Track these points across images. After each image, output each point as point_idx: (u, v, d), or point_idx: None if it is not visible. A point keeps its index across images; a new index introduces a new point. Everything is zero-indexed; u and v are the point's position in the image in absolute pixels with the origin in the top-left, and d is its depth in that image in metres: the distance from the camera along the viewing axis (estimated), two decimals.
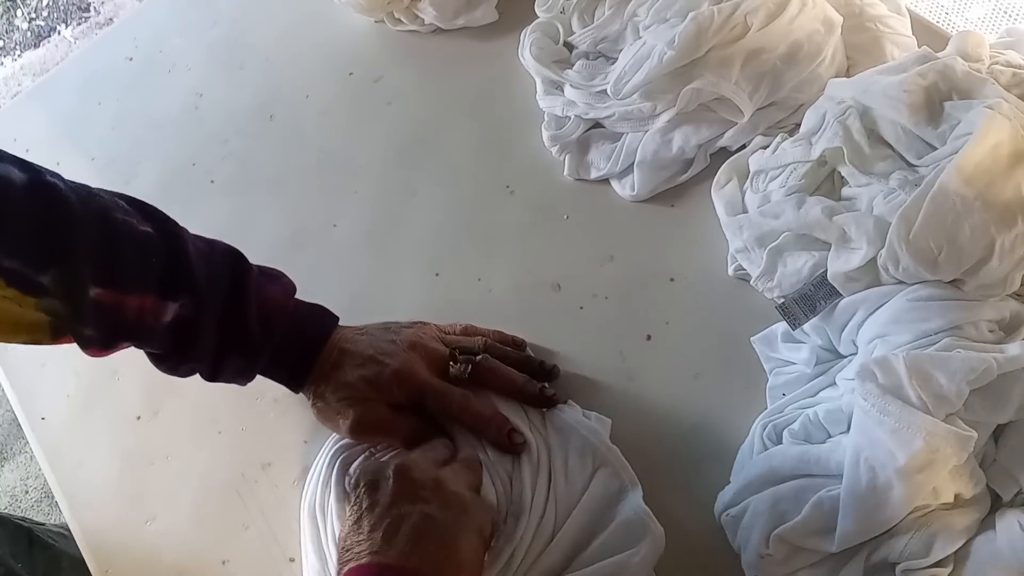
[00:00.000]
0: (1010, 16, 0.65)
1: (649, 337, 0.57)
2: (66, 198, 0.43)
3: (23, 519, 0.87)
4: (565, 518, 0.47)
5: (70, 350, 0.68)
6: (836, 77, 0.59)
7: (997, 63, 0.54)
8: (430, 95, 0.75)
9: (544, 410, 0.52)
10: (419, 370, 0.51)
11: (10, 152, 0.43)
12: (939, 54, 0.53)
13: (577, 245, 0.62)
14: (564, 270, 0.61)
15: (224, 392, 0.62)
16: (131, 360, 0.66)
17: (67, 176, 0.45)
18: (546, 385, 0.53)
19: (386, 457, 0.51)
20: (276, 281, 0.52)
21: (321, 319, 0.53)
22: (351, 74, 0.78)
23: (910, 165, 0.51)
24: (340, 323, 0.54)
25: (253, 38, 0.84)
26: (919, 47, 0.57)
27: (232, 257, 0.50)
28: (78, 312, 0.43)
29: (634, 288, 0.59)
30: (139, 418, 0.64)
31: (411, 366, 0.50)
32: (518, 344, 0.57)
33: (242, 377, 0.52)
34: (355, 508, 0.44)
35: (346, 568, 0.40)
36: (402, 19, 0.78)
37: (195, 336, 0.48)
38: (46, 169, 0.44)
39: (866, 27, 0.61)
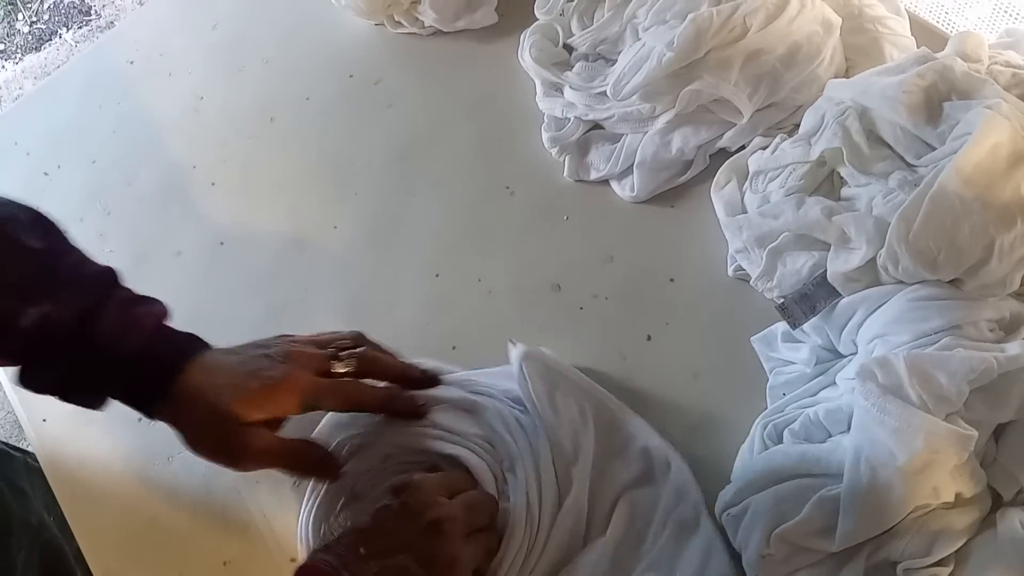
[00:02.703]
0: (1010, 16, 0.65)
1: (649, 337, 0.57)
2: None
3: None
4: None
5: None
6: (835, 78, 0.59)
7: (996, 63, 0.54)
8: (430, 97, 0.75)
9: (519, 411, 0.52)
10: (305, 376, 0.49)
11: None
12: (938, 55, 0.53)
13: (577, 246, 0.62)
14: (564, 270, 0.61)
15: None
16: None
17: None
18: (426, 370, 0.53)
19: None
20: (148, 304, 0.50)
21: (185, 343, 0.50)
22: (351, 76, 0.78)
23: (909, 165, 0.51)
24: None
25: (253, 41, 0.84)
26: (918, 48, 0.57)
27: (106, 275, 0.49)
28: None
29: (634, 288, 0.59)
30: (140, 419, 0.63)
31: (293, 374, 0.49)
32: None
33: (91, 397, 0.50)
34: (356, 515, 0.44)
35: (309, 559, 0.41)
36: (402, 22, 0.78)
37: (51, 338, 0.46)
38: None
39: (865, 28, 0.61)
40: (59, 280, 0.47)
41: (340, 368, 0.51)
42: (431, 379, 0.53)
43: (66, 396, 0.49)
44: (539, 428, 0.51)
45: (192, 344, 0.50)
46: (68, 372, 0.48)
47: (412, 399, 0.51)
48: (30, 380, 0.49)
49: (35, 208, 0.48)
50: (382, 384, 0.53)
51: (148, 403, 0.49)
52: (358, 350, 0.52)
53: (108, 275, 0.49)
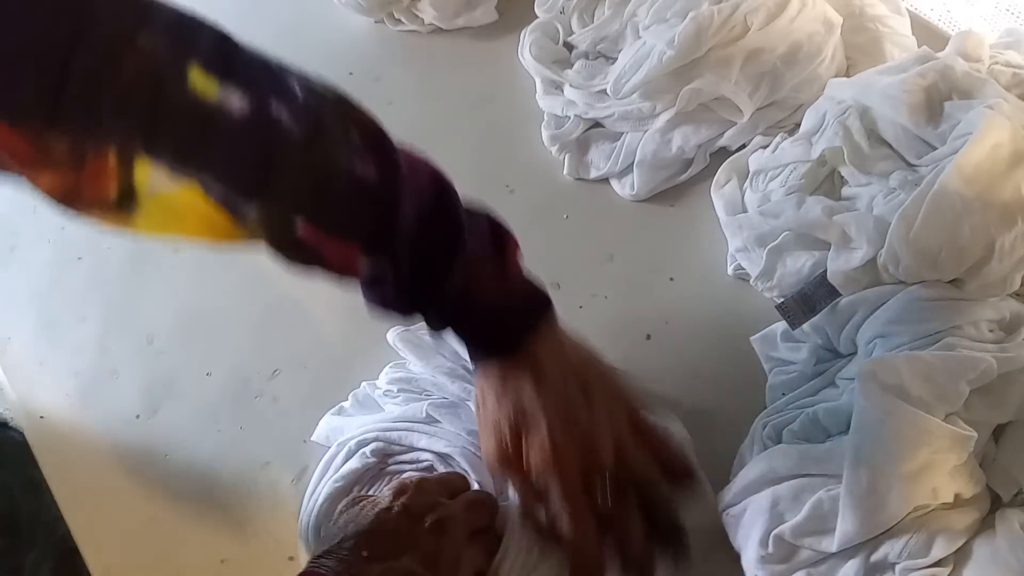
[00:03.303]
0: (1011, 15, 0.65)
1: (649, 337, 0.57)
2: (286, 138, 0.39)
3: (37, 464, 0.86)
4: None
5: (69, 350, 0.68)
6: (836, 77, 0.59)
7: (997, 63, 0.54)
8: (430, 95, 0.74)
9: None
10: (605, 450, 0.45)
11: (253, 55, 0.40)
12: (939, 54, 0.53)
13: (577, 244, 0.62)
14: (564, 269, 0.61)
15: (223, 391, 0.63)
16: (131, 360, 0.66)
17: None
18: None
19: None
20: (491, 257, 0.46)
21: (524, 314, 0.47)
22: (351, 74, 0.78)
23: (910, 165, 0.51)
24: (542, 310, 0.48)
25: (252, 38, 0.84)
26: (919, 47, 0.57)
27: (449, 227, 0.44)
28: (281, 245, 0.41)
29: (634, 288, 0.59)
30: (138, 417, 0.63)
31: (602, 442, 0.45)
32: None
33: (434, 327, 0.47)
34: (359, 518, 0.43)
35: (309, 565, 0.40)
36: (402, 19, 0.78)
37: (385, 292, 0.44)
38: (284, 85, 0.40)
39: (866, 27, 0.61)
40: (398, 229, 0.42)
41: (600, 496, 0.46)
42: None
43: (404, 316, 0.46)
44: None
45: (528, 317, 0.47)
46: (405, 313, 0.45)
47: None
48: (375, 296, 0.45)
49: (365, 116, 0.43)
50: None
51: (479, 357, 0.48)
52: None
53: (451, 225, 0.44)
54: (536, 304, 0.48)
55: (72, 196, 0.37)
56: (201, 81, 0.37)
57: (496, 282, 0.46)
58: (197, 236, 0.40)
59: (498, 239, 0.47)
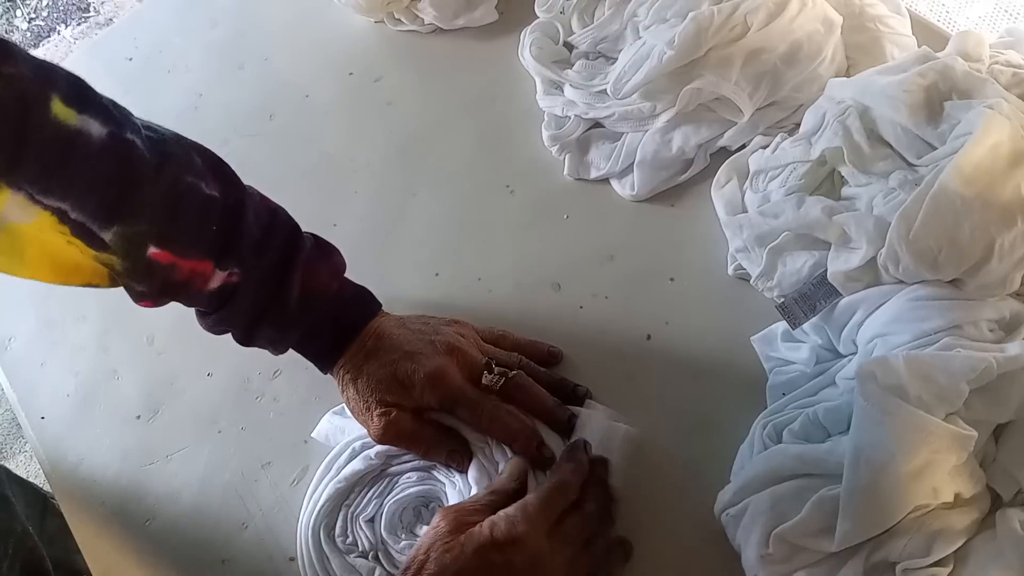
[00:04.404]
0: (1010, 15, 0.65)
1: (649, 337, 0.57)
2: (140, 158, 0.43)
3: (41, 488, 0.89)
4: None
5: (69, 350, 0.68)
6: (836, 77, 0.59)
7: (997, 63, 0.54)
8: (430, 95, 0.75)
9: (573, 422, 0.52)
10: (453, 376, 0.50)
11: (103, 97, 0.43)
12: (939, 54, 0.53)
13: (577, 245, 0.62)
14: (564, 270, 0.61)
15: (224, 391, 0.63)
16: (131, 360, 0.66)
17: None
18: (574, 412, 0.52)
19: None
20: (326, 259, 0.52)
21: (362, 305, 0.53)
22: (351, 74, 0.78)
23: (910, 165, 0.51)
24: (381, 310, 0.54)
25: (253, 38, 0.84)
26: (919, 47, 0.57)
27: (287, 231, 0.51)
28: (134, 269, 0.45)
29: (634, 288, 0.59)
30: (139, 417, 0.63)
31: (445, 371, 0.50)
32: (554, 355, 0.56)
33: (273, 348, 0.53)
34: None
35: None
36: (402, 19, 0.78)
37: (235, 304, 0.49)
38: (131, 122, 0.44)
39: (866, 27, 0.61)
40: (245, 240, 0.48)
41: (485, 381, 0.51)
42: (573, 426, 0.51)
43: (247, 343, 0.51)
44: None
45: (366, 307, 0.54)
46: (249, 327, 0.50)
47: (533, 452, 0.49)
48: (209, 324, 0.51)
49: (203, 147, 0.48)
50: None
51: (324, 362, 0.53)
52: (511, 373, 0.51)
53: (289, 229, 0.51)
54: (368, 299, 0.54)
55: None
56: (62, 110, 0.40)
57: (330, 282, 0.52)
58: (37, 273, 0.43)
59: (326, 250, 0.53)
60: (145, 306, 0.49)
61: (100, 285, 0.45)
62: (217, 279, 0.48)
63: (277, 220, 0.51)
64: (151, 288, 0.47)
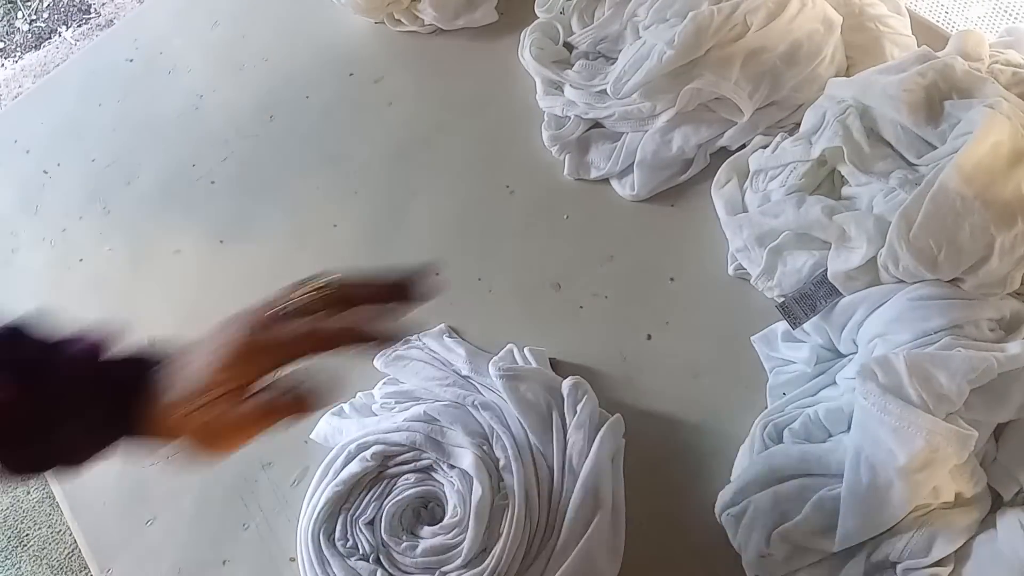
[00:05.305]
0: (1010, 15, 0.65)
1: (649, 337, 0.57)
2: None
3: None
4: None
5: None
6: (836, 77, 0.59)
7: (997, 62, 0.54)
8: (430, 95, 0.75)
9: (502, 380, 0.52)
10: (238, 336, 0.43)
11: None
12: (939, 53, 0.53)
13: (577, 245, 0.62)
14: (564, 270, 0.61)
15: None
16: None
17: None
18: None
19: None
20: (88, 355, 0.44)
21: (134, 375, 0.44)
22: (351, 75, 0.78)
23: (910, 164, 0.50)
24: None
25: (253, 39, 0.84)
26: (919, 46, 0.57)
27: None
28: None
29: (634, 287, 0.59)
30: None
31: (222, 339, 0.43)
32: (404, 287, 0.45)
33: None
34: None
35: None
36: (402, 20, 0.78)
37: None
38: None
39: (866, 27, 0.61)
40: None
41: (296, 303, 0.43)
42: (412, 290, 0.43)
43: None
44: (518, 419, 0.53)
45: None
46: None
47: (365, 336, 0.42)
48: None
49: None
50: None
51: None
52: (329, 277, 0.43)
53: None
54: (143, 362, 0.45)
55: None
56: None
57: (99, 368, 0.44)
58: None
59: (96, 343, 0.44)
60: None
61: None
62: None
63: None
64: None
